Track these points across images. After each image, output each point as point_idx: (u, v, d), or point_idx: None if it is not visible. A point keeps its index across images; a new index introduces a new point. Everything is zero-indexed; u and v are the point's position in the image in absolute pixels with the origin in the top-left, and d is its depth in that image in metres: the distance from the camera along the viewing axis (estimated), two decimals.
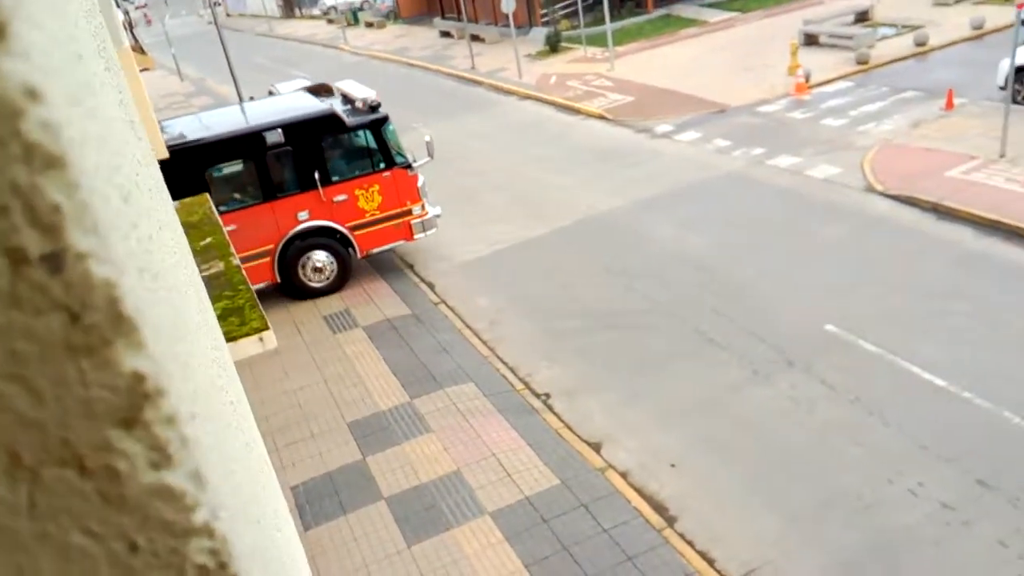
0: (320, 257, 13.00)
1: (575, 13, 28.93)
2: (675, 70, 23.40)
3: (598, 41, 27.48)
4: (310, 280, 13.14)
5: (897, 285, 10.89)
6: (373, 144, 12.80)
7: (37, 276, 0.46)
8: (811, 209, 13.59)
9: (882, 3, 25.07)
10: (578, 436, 9.23)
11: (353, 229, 12.96)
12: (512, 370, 10.73)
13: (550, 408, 9.84)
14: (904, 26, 23.11)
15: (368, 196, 12.84)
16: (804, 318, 10.53)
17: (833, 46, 22.57)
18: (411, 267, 14.07)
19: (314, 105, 13.03)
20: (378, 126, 12.71)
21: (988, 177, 13.14)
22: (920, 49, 21.13)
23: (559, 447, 9.03)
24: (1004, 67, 14.93)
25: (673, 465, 8.55)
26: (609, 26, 25.13)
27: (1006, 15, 19.58)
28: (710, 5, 31.56)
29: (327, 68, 32.63)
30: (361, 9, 52.04)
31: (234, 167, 12.58)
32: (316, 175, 12.43)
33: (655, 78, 22.90)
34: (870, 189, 13.78)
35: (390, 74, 30.37)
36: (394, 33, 42.64)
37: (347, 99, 13.38)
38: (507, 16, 26.32)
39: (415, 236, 13.42)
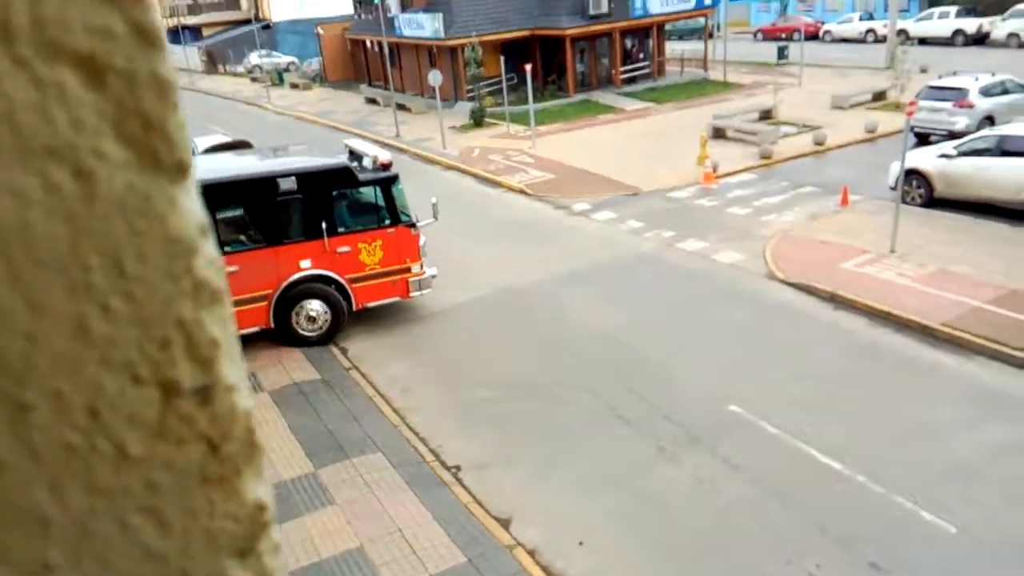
0: (314, 306, 13.01)
1: (500, 91, 29.82)
2: (593, 152, 24.28)
3: (521, 119, 28.32)
4: (302, 329, 13.11)
5: (797, 369, 11.36)
6: (381, 201, 13.15)
7: (186, 408, 0.46)
8: (717, 292, 14.14)
9: (785, 103, 26.90)
10: (487, 511, 9.07)
11: (352, 281, 13.11)
12: (423, 440, 10.52)
13: (460, 481, 9.66)
14: (804, 126, 24.81)
15: (371, 250, 13.09)
16: (710, 398, 10.82)
17: (739, 140, 23.98)
18: None
19: (329, 158, 13.58)
20: (388, 184, 13.12)
21: (880, 271, 14.04)
22: (818, 148, 22.68)
23: (468, 522, 8.84)
24: (895, 169, 16.17)
25: (581, 543, 8.48)
26: (532, 106, 25.97)
27: (897, 121, 21.30)
28: (627, 94, 33.14)
29: (249, 125, 32.30)
30: (287, 70, 52.14)
31: (244, 210, 12.81)
32: (323, 225, 12.63)
33: (574, 158, 23.68)
34: (772, 276, 14.47)
35: (314, 136, 30.30)
36: (319, 96, 42.77)
37: (353, 155, 13.94)
38: (433, 88, 26.88)
39: (411, 294, 13.62)
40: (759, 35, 47.33)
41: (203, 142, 21.07)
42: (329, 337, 13.27)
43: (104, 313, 0.44)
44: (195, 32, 65.88)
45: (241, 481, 0.49)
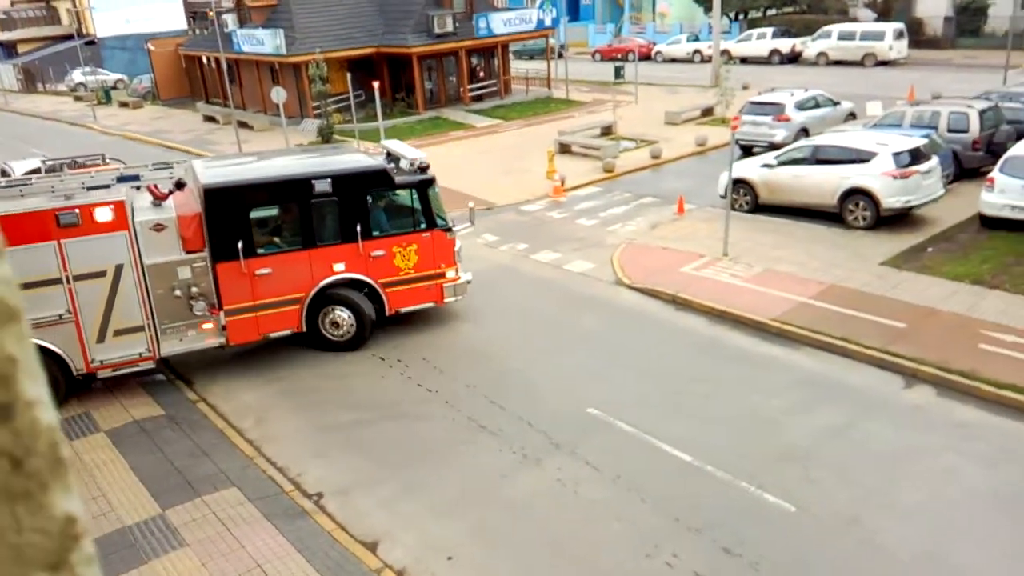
0: (340, 312, 12.65)
1: (348, 108, 29.40)
2: (445, 169, 24.31)
3: (371, 136, 28.03)
4: (328, 333, 12.75)
5: (647, 369, 11.91)
6: (417, 204, 12.85)
7: None
8: (571, 300, 14.59)
9: (623, 120, 28.28)
10: (352, 536, 8.84)
11: (385, 286, 12.77)
12: (281, 470, 10.11)
13: (322, 509, 9.36)
14: (642, 140, 26.18)
15: (405, 255, 12.81)
16: (568, 402, 11.12)
17: (584, 155, 24.94)
18: (166, 360, 12.95)
19: (365, 160, 13.19)
20: (424, 187, 12.83)
21: (715, 273, 15.02)
22: (655, 161, 23.99)
23: (332, 550, 8.57)
24: (723, 179, 17.36)
25: (450, 558, 8.45)
26: (381, 123, 25.81)
27: (723, 135, 22.93)
28: (476, 111, 33.65)
29: (73, 147, 29.93)
30: (115, 88, 48.91)
31: (278, 212, 12.57)
32: (358, 228, 12.29)
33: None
34: (619, 283, 15.12)
35: (146, 156, 28.52)
36: (152, 114, 40.41)
37: (391, 157, 13.52)
38: (277, 106, 26.09)
39: (445, 300, 13.33)
40: (597, 56, 49.49)
41: (20, 166, 19.34)
42: (356, 343, 12.95)
43: None
44: (9, 49, 60.49)
45: (48, 496, 0.49)
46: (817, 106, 23.54)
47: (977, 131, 18.72)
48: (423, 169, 13.03)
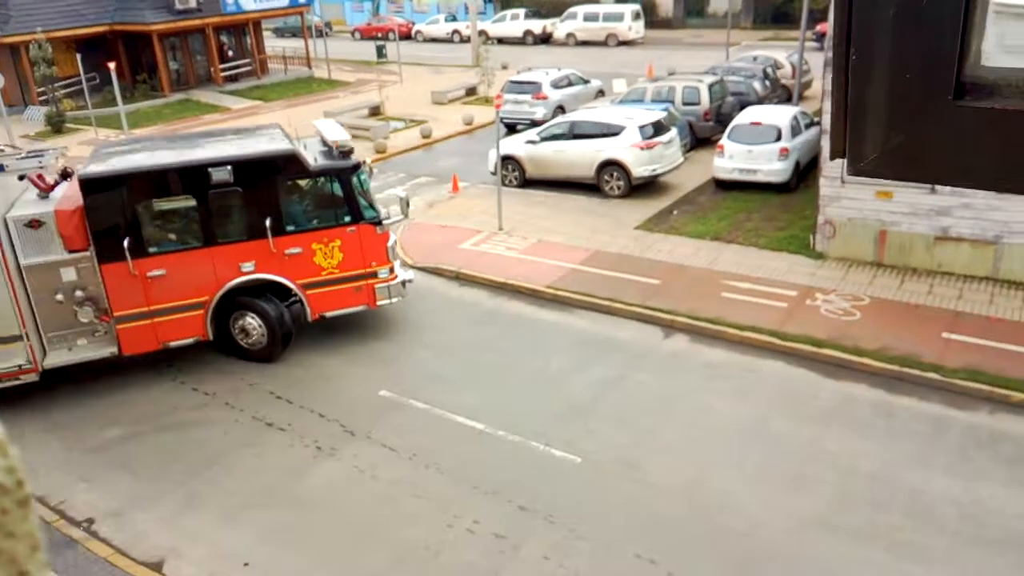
0: (249, 320, 11.08)
1: (80, 93, 26.39)
2: None
3: (111, 123, 25.44)
4: (240, 341, 11.63)
5: (435, 345, 12.11)
6: (339, 193, 11.07)
7: None
8: None
9: (391, 100, 28.12)
10: (133, 559, 8.15)
11: (306, 287, 11.08)
12: (41, 500, 9.04)
13: (95, 535, 8.52)
14: (411, 120, 26.23)
15: (327, 252, 11.18)
16: (360, 388, 11.02)
17: (354, 136, 24.35)
18: None
19: (273, 144, 11.18)
20: (346, 174, 11.05)
21: (492, 247, 15.54)
22: (426, 141, 24.18)
23: None
24: (492, 156, 17.92)
25: (246, 564, 8.09)
26: (122, 107, 23.50)
27: (488, 114, 23.59)
28: (231, 92, 31.72)
29: None
30: None
31: (171, 205, 11.14)
32: (267, 222, 10.83)
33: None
34: (403, 264, 15.14)
35: None
36: None
37: (324, 142, 11.66)
38: None
39: (378, 302, 11.72)
40: (357, 34, 48.60)
41: None
42: (269, 353, 11.58)
43: None
44: None
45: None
46: (571, 84, 24.98)
47: (707, 103, 20.94)
48: (346, 154, 11.50)
